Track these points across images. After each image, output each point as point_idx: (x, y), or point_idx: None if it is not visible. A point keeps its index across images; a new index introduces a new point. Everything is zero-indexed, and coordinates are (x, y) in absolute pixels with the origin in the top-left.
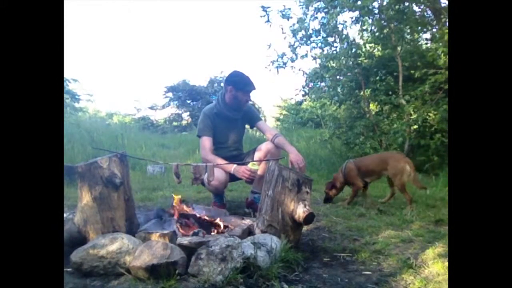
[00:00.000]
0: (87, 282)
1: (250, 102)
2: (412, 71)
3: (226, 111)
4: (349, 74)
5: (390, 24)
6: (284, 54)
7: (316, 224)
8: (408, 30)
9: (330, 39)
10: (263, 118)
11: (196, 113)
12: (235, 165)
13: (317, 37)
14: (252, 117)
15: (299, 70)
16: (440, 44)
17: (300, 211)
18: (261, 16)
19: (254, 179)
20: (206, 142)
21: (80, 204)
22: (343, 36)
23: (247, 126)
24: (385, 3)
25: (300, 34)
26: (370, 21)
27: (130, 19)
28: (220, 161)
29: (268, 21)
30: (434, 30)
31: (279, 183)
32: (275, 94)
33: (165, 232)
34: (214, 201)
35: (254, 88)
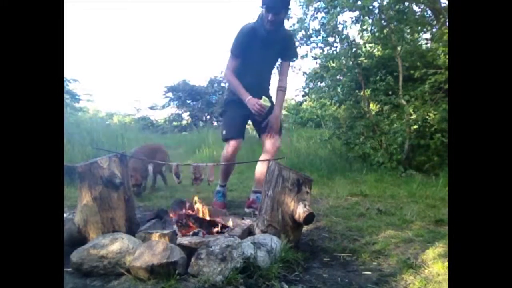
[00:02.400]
0: (87, 282)
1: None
2: (412, 71)
3: (261, 28)
4: (349, 74)
5: (390, 24)
6: None
7: (316, 224)
8: (408, 30)
9: (330, 39)
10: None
11: (196, 113)
12: (250, 96)
13: (317, 37)
14: (288, 51)
15: (299, 70)
16: (440, 44)
17: (300, 211)
18: None
19: (262, 114)
20: (231, 61)
21: (80, 204)
22: (343, 36)
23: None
24: (385, 3)
25: (300, 34)
26: (370, 21)
27: (130, 19)
28: (238, 87)
29: None
30: (434, 30)
31: (279, 183)
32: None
33: (165, 232)
34: (215, 199)
35: (270, 5)
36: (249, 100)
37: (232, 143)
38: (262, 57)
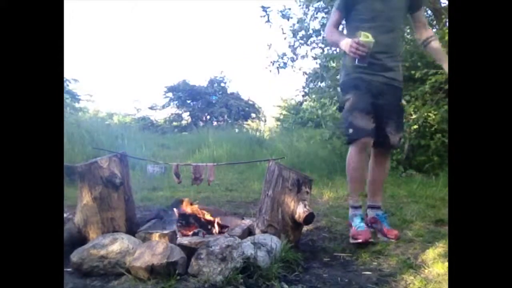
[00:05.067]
0: (87, 282)
1: (251, 102)
2: (412, 71)
3: None
4: None
5: None
6: (284, 54)
7: (316, 224)
8: (408, 30)
9: None
10: (263, 118)
11: (196, 113)
12: (346, 38)
13: (317, 37)
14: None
15: (299, 69)
16: (440, 44)
17: (300, 211)
18: (261, 16)
19: (363, 55)
20: (332, 17)
21: (80, 204)
22: None
23: None
24: None
25: (300, 34)
26: None
27: (130, 19)
28: (339, 38)
29: (268, 21)
30: (434, 30)
31: (279, 183)
32: (275, 94)
33: (165, 232)
34: (354, 228)
35: None
36: (342, 42)
37: (362, 142)
38: (381, 10)
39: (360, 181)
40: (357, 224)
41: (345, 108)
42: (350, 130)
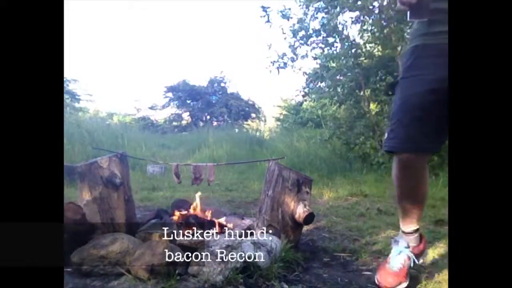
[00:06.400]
0: (87, 282)
1: (250, 102)
2: None
3: None
4: (349, 74)
5: (390, 24)
6: (284, 54)
7: (316, 224)
8: (408, 30)
9: (330, 39)
10: (263, 118)
11: (196, 113)
12: None
13: (317, 37)
14: None
15: (299, 69)
16: None
17: (300, 211)
18: (261, 16)
19: (416, 3)
20: None
21: (80, 204)
22: (343, 36)
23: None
24: (385, 3)
25: (300, 34)
26: (370, 21)
27: (130, 19)
28: None
29: (268, 21)
30: None
31: (279, 183)
32: (275, 94)
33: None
34: (388, 265)
35: None
36: None
37: (403, 157)
38: None
39: (408, 197)
40: (392, 259)
41: (394, 96)
42: (390, 138)
